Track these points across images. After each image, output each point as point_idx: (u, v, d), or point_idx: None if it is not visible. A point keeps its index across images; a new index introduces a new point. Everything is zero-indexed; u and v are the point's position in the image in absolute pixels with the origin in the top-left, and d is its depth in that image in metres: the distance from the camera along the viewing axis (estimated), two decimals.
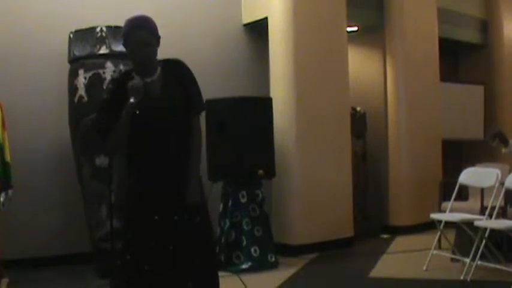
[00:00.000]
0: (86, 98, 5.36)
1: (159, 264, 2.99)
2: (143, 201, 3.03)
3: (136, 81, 3.01)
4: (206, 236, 3.20)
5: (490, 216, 5.24)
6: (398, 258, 6.26)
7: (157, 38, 3.18)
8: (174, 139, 3.06)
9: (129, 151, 3.10)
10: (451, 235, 5.85)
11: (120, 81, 3.11)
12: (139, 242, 3.01)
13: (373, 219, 7.74)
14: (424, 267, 5.43)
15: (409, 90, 7.81)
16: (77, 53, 5.46)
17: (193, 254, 3.06)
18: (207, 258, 3.17)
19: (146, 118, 3.01)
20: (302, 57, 6.54)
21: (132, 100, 2.94)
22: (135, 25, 3.11)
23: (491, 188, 5.41)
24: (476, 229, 5.11)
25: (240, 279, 5.04)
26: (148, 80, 3.08)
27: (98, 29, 5.38)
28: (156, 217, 3.00)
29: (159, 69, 3.14)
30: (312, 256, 6.28)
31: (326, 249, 6.45)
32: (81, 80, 5.38)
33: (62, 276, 5.53)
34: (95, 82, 5.33)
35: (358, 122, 7.58)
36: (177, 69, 3.17)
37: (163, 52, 6.10)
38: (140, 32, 3.07)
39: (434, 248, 5.60)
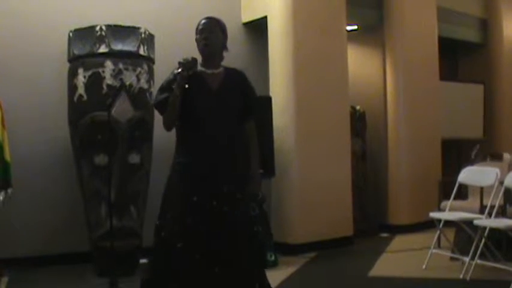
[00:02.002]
0: (85, 97, 5.35)
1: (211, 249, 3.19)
2: (194, 182, 3.24)
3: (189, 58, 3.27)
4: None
5: (490, 215, 5.25)
6: (397, 257, 6.26)
7: (225, 32, 3.48)
8: (225, 131, 3.32)
9: (183, 132, 3.34)
10: (451, 234, 5.85)
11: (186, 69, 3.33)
12: (192, 226, 3.20)
13: (372, 218, 7.74)
14: (424, 266, 5.43)
15: (408, 89, 7.81)
16: (76, 51, 5.46)
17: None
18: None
19: (203, 103, 3.28)
20: (301, 56, 6.54)
21: (179, 70, 3.22)
22: (206, 17, 3.47)
23: (491, 187, 5.42)
24: (475, 228, 5.12)
25: None
26: (209, 71, 3.37)
27: (98, 28, 5.37)
28: (215, 203, 3.22)
29: (222, 69, 3.43)
30: (311, 255, 6.28)
31: (325, 248, 6.45)
32: (81, 79, 5.37)
33: (61, 275, 5.53)
34: (94, 81, 5.32)
35: (358, 121, 7.58)
36: (241, 79, 3.49)
37: (162, 51, 6.14)
38: (207, 20, 3.42)
39: (434, 247, 5.61)
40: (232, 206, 3.28)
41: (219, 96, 3.34)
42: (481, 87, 9.40)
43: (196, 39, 3.42)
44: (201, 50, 3.38)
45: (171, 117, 3.26)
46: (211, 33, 3.38)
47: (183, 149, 3.34)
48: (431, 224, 5.83)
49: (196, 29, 3.43)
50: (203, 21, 3.43)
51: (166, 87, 3.34)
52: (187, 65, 3.24)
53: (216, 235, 3.21)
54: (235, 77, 3.45)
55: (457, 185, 5.79)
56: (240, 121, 3.42)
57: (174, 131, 3.41)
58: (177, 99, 3.22)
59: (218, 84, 3.37)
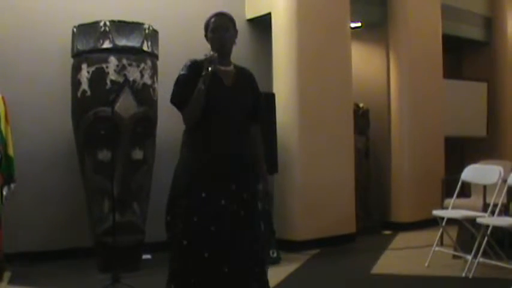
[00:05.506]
0: (89, 93, 5.35)
1: (219, 249, 3.13)
2: (204, 178, 3.18)
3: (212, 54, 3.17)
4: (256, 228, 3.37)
5: (492, 213, 5.26)
6: (400, 254, 6.26)
7: (235, 27, 3.40)
8: (238, 130, 3.28)
9: (200, 131, 3.24)
10: (453, 232, 5.86)
11: (198, 63, 3.23)
12: (200, 226, 3.13)
13: (375, 216, 7.75)
14: (426, 264, 5.43)
15: (412, 87, 7.81)
16: (80, 47, 5.46)
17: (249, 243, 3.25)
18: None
19: (218, 99, 3.20)
20: (305, 53, 6.54)
21: (209, 69, 3.11)
22: (217, 13, 3.37)
23: (494, 185, 5.41)
24: (478, 226, 5.12)
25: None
26: (222, 68, 3.28)
27: (102, 24, 5.37)
28: (223, 202, 3.16)
29: (232, 66, 3.37)
30: (314, 252, 6.29)
31: (328, 245, 6.46)
32: (84, 74, 5.37)
33: (64, 270, 5.54)
34: (98, 76, 5.32)
35: (361, 119, 7.58)
36: (250, 78, 3.43)
37: (167, 48, 6.15)
38: (220, 17, 3.34)
39: (436, 245, 5.61)
40: (239, 206, 3.22)
41: (233, 92, 3.28)
42: (484, 85, 9.39)
43: (208, 37, 3.32)
44: (218, 49, 3.25)
45: (196, 112, 3.15)
46: (227, 31, 3.31)
47: (194, 143, 3.26)
48: (434, 222, 5.82)
49: (207, 25, 3.33)
50: (216, 18, 3.33)
51: (183, 83, 3.23)
52: (213, 60, 3.15)
53: (224, 234, 3.15)
54: (245, 76, 3.40)
55: (460, 183, 5.78)
56: (249, 120, 3.37)
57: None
58: (202, 94, 3.12)
59: (231, 81, 3.30)
